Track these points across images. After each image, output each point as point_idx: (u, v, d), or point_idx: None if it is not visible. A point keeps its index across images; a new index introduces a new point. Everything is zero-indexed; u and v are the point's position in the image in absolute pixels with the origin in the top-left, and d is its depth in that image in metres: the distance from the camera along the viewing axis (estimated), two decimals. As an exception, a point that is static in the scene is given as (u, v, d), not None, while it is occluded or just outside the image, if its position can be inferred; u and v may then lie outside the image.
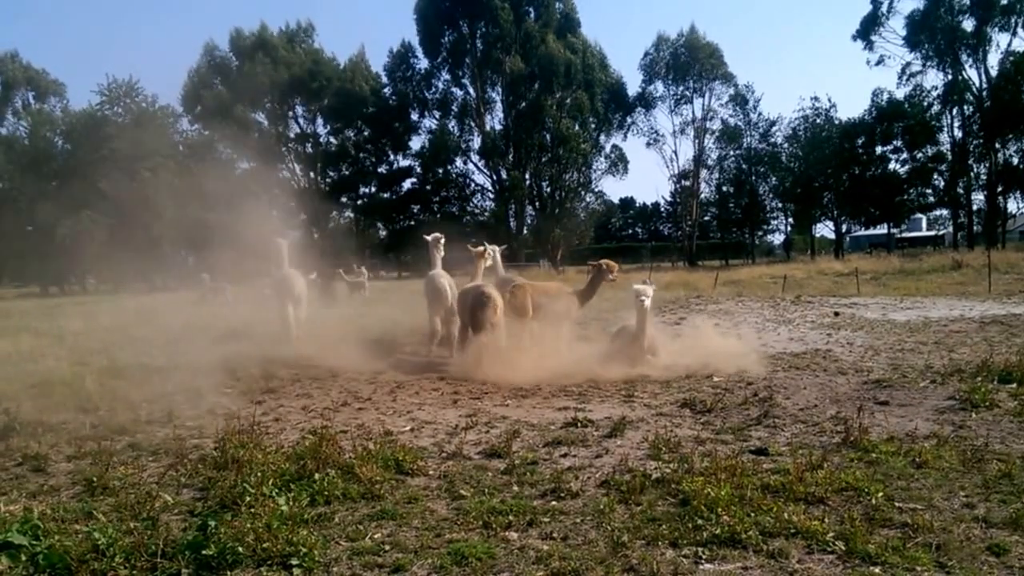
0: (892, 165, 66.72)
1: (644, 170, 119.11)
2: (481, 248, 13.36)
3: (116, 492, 5.47)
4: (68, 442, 7.14)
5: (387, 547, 4.38)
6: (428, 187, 73.00)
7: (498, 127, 70.61)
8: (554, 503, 5.05)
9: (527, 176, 69.20)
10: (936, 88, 62.48)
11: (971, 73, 60.82)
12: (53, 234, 52.94)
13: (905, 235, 75.59)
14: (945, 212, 72.04)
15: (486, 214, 73.58)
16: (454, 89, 71.14)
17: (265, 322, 16.62)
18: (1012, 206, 65.82)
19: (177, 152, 65.11)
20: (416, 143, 73.98)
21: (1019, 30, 58.25)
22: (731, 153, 72.63)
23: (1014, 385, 8.47)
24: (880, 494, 4.92)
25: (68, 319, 22.49)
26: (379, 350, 13.08)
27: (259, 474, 5.37)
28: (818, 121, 68.10)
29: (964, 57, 60.40)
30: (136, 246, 55.15)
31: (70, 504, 5.26)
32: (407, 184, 74.85)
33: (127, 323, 20.31)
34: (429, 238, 13.54)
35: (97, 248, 54.01)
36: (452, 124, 71.60)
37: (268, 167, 69.99)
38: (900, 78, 63.71)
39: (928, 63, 61.58)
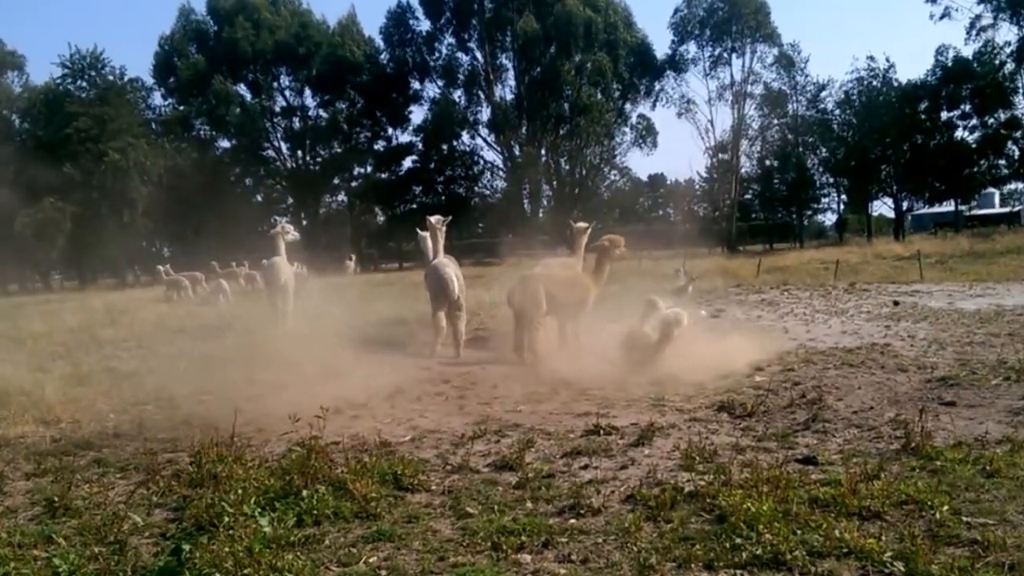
0: (960, 133, 66.26)
1: (675, 143, 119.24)
2: (583, 224, 13.83)
3: (80, 513, 5.51)
4: (27, 458, 7.19)
5: (384, 572, 4.40)
6: (431, 166, 72.84)
7: (509, 96, 70.48)
8: (573, 521, 5.05)
9: (542, 151, 69.07)
10: (1009, 44, 61.75)
11: (1050, 26, 60.12)
12: (12, 225, 53.25)
13: (975, 212, 74.87)
14: (1021, 186, 71.43)
15: (497, 195, 73.53)
16: (459, 54, 70.97)
17: (239, 318, 16.81)
18: (1098, 177, 65.23)
19: (149, 130, 65.53)
20: (417, 116, 74.23)
21: (1104, -25, 57.46)
22: (775, 122, 72.11)
23: (1100, 382, 8.38)
24: (945, 508, 4.88)
25: (28, 320, 22.66)
26: (377, 350, 13.11)
27: (239, 491, 5.40)
28: (874, 84, 67.56)
29: (1041, 8, 59.66)
30: (106, 237, 55.56)
31: (28, 527, 5.30)
32: (407, 163, 74.88)
33: (94, 323, 20.46)
34: (433, 219, 13.85)
35: (62, 240, 54.42)
36: (458, 94, 71.50)
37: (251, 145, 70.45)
38: (968, 33, 62.90)
39: (1000, 16, 60.85)
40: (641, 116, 72.24)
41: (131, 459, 7.03)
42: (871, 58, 71.23)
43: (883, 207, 75.73)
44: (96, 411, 9.24)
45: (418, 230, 15.51)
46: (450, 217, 14.36)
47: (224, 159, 71.68)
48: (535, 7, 65.63)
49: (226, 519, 4.90)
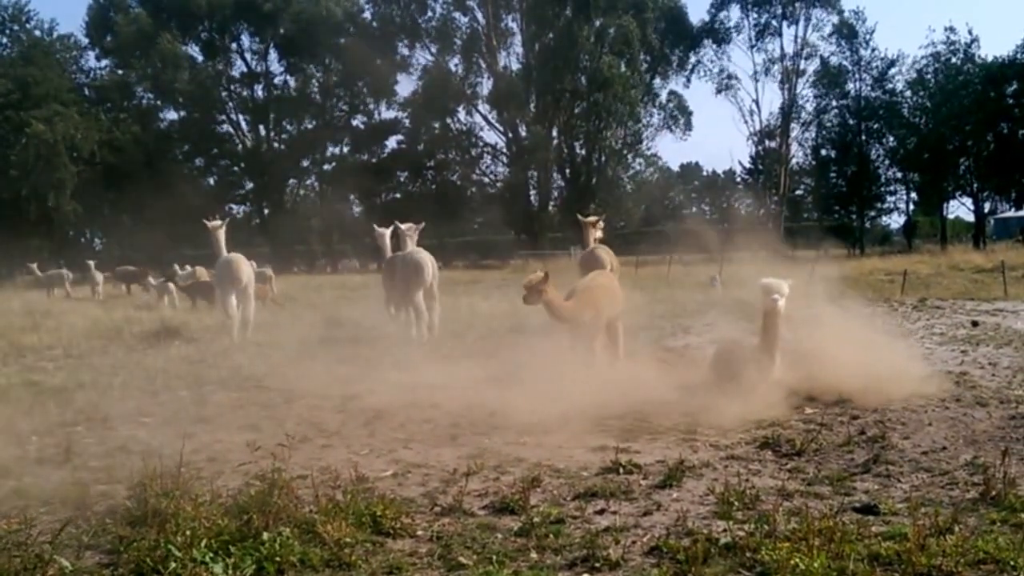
0: (1056, 122, 66.21)
1: (713, 126, 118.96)
2: (594, 218, 15.33)
3: (-5, 555, 5.51)
4: (-69, 488, 7.20)
5: (359, 632, 4.41)
6: (420, 147, 72.82)
7: (516, 66, 70.66)
8: (586, 576, 5.06)
9: (554, 133, 69.02)
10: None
11: None
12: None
13: (1072, 217, 74.97)
14: None
15: (498, 184, 73.44)
16: (456, 14, 71.15)
17: (187, 325, 16.76)
18: None
19: (81, 97, 65.46)
20: (405, 87, 73.89)
21: None
22: (833, 104, 72.28)
23: None
24: (1031, 569, 4.89)
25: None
26: (352, 364, 13.13)
27: (188, 532, 5.38)
28: (953, 61, 67.68)
29: None
30: (27, 225, 55.49)
31: (-69, 572, 5.31)
32: (391, 143, 74.96)
33: (12, 328, 20.46)
34: (404, 227, 15.91)
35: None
36: (454, 62, 71.72)
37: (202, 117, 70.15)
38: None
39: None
40: (672, 93, 72.53)
41: (57, 491, 7.00)
42: (950, 29, 71.23)
43: (961, 209, 75.89)
44: (16, 432, 9.23)
45: (375, 226, 17.70)
46: (423, 224, 16.44)
47: (170, 133, 71.62)
48: (548, -42, 65.64)
49: (172, 565, 4.91)
